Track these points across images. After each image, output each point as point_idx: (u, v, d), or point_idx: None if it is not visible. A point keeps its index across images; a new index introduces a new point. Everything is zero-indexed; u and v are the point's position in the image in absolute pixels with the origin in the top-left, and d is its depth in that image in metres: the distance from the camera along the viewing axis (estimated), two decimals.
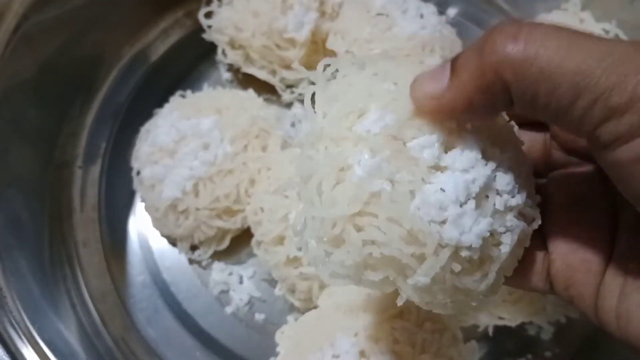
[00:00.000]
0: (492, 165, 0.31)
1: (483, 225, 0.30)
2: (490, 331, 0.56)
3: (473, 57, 0.27)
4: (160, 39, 0.75)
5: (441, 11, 0.73)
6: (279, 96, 0.69)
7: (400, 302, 0.31)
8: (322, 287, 0.56)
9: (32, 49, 0.61)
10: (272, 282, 0.61)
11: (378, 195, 0.29)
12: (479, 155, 0.30)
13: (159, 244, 0.65)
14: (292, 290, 0.58)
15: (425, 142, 0.30)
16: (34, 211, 0.61)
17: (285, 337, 0.55)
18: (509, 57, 0.25)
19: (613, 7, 0.66)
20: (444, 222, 0.29)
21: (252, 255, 0.62)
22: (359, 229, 0.30)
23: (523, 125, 0.36)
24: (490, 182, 0.31)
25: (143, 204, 0.64)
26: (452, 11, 0.76)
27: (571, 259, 0.33)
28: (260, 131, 0.63)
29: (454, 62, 0.28)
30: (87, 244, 0.64)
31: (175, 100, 0.67)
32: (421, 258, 0.29)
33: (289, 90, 0.69)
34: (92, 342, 0.57)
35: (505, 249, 0.31)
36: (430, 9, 0.67)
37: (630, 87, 0.23)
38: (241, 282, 0.62)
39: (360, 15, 0.65)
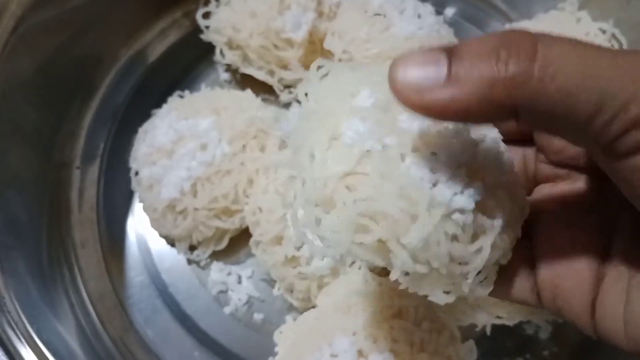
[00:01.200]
0: (481, 133, 0.32)
1: (475, 189, 0.30)
2: (488, 330, 0.56)
3: (483, 66, 0.25)
4: (158, 40, 0.75)
5: (439, 11, 0.73)
6: (277, 96, 0.69)
7: (394, 276, 0.30)
8: (321, 286, 0.56)
9: (30, 49, 0.61)
10: (271, 282, 0.61)
11: (369, 154, 0.29)
12: (467, 130, 0.31)
13: (157, 244, 0.65)
14: (291, 290, 0.58)
15: (416, 116, 0.29)
16: (32, 211, 0.61)
17: (284, 337, 0.55)
18: (525, 75, 0.24)
19: (610, 7, 0.66)
20: (435, 184, 0.29)
21: (250, 255, 0.62)
22: (350, 189, 0.29)
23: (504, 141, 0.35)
24: (477, 151, 0.31)
25: (141, 205, 0.64)
26: (449, 11, 0.76)
27: (559, 268, 0.32)
28: (259, 132, 0.63)
29: (454, 60, 0.25)
30: (86, 245, 0.64)
31: (173, 100, 0.67)
32: (414, 217, 0.29)
33: (287, 91, 0.69)
34: (91, 343, 0.57)
35: (497, 222, 0.31)
36: (428, 9, 0.67)
37: None
38: (240, 282, 0.62)
39: (358, 16, 0.65)
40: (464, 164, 0.30)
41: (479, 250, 0.31)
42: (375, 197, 0.29)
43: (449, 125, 0.31)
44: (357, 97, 0.31)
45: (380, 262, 0.30)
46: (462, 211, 0.29)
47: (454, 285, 0.31)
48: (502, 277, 0.34)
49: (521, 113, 0.25)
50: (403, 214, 0.29)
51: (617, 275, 0.31)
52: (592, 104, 0.24)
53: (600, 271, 0.32)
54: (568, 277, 0.32)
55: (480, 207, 0.30)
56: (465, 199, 0.29)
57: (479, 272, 0.31)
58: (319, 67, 0.33)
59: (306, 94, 0.32)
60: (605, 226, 0.32)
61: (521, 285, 0.34)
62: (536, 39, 0.24)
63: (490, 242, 0.31)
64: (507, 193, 0.32)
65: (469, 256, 0.30)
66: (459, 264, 0.30)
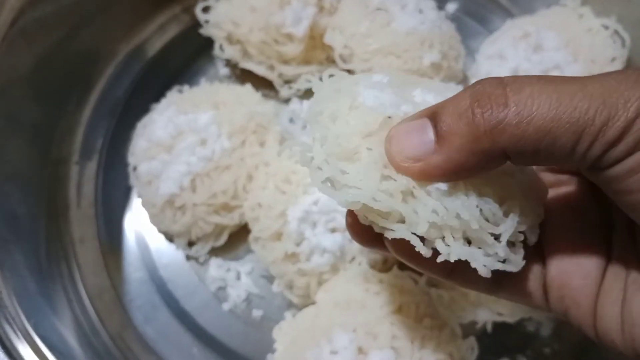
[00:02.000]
0: None
1: None
2: (489, 327, 0.56)
3: (463, 124, 0.27)
4: (158, 34, 0.74)
5: (440, 7, 0.72)
6: (276, 92, 0.69)
7: (420, 230, 0.29)
8: (320, 282, 0.56)
9: (29, 43, 0.61)
10: (270, 279, 0.61)
11: (390, 120, 0.30)
12: None
13: (156, 240, 0.64)
14: (290, 287, 0.58)
15: (428, 91, 0.31)
16: (31, 207, 0.60)
17: (283, 334, 0.55)
18: (503, 123, 0.26)
19: (613, 3, 0.65)
20: None
21: (249, 251, 0.61)
22: (371, 148, 0.30)
23: None
24: None
25: (140, 200, 0.64)
26: (451, 6, 0.76)
27: (567, 267, 0.33)
28: (258, 127, 0.62)
29: (438, 124, 0.28)
30: (84, 241, 0.63)
31: (172, 95, 0.66)
32: None
33: (287, 86, 0.69)
34: (89, 339, 0.57)
35: (519, 184, 0.32)
36: (429, 4, 0.67)
37: (622, 119, 0.25)
38: (239, 278, 0.62)
39: (359, 10, 0.65)
40: None
41: (509, 210, 0.31)
42: None
43: None
44: (372, 77, 0.33)
45: (407, 212, 0.29)
46: None
47: (487, 249, 0.31)
48: (514, 280, 0.35)
49: (512, 157, 0.27)
50: None
51: (615, 273, 0.32)
52: (571, 136, 0.26)
53: (604, 270, 0.32)
54: (576, 276, 0.33)
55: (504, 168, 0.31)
56: None
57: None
58: (330, 75, 0.35)
59: (321, 79, 0.34)
60: (604, 226, 0.33)
61: (531, 286, 0.35)
62: (505, 86, 0.26)
63: (518, 204, 0.31)
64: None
65: (498, 217, 0.30)
66: (490, 223, 0.30)
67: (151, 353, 0.59)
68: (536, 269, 0.35)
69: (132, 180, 0.64)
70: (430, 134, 0.28)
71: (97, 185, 0.67)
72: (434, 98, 0.31)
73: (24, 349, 0.46)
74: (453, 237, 0.30)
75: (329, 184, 0.31)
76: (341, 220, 0.54)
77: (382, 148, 0.30)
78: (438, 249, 0.30)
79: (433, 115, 0.28)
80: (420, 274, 0.55)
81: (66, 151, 0.67)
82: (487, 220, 0.30)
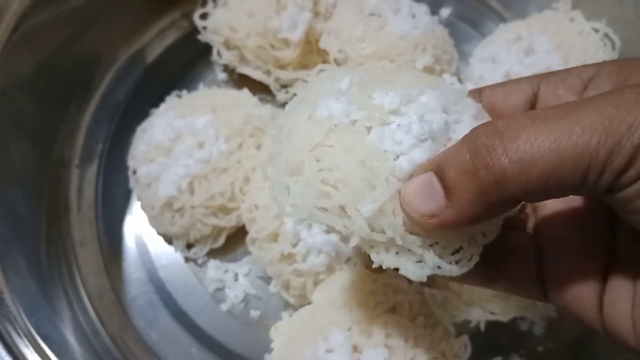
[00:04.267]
0: (451, 117, 0.32)
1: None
2: (482, 326, 0.56)
3: (468, 179, 0.27)
4: (157, 40, 0.75)
5: (434, 11, 0.74)
6: (273, 96, 0.70)
7: (352, 243, 0.32)
8: (316, 283, 0.56)
9: (31, 48, 0.61)
10: (267, 279, 0.62)
11: (336, 128, 0.32)
12: (439, 109, 0.32)
13: (155, 242, 0.65)
14: (287, 287, 0.59)
15: (388, 94, 0.32)
16: (32, 209, 0.61)
17: (280, 333, 0.56)
18: (507, 172, 0.26)
19: (603, 6, 0.66)
20: (398, 156, 0.31)
21: (247, 252, 0.62)
22: (318, 160, 0.32)
23: None
24: (448, 129, 0.32)
25: (139, 203, 0.65)
26: (445, 11, 0.77)
27: (567, 263, 0.34)
28: (255, 130, 0.63)
29: (443, 179, 0.29)
30: (84, 243, 0.64)
31: (171, 100, 0.67)
32: (372, 187, 0.31)
33: (283, 90, 0.70)
34: (90, 340, 0.57)
35: None
36: (423, 9, 0.68)
37: (628, 146, 0.25)
38: (236, 279, 0.63)
39: (354, 15, 0.66)
40: (432, 138, 0.31)
41: None
42: (338, 167, 0.31)
43: (425, 101, 0.32)
44: (339, 84, 0.34)
45: (340, 227, 0.32)
46: None
47: (420, 259, 0.32)
48: (511, 271, 0.36)
49: (523, 199, 0.27)
50: (363, 183, 0.31)
51: (623, 273, 0.32)
52: (577, 172, 0.25)
53: (607, 268, 0.32)
54: (576, 273, 0.33)
55: None
56: None
57: (456, 252, 0.33)
58: (320, 71, 0.36)
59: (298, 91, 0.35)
60: (609, 226, 0.34)
61: (529, 280, 0.35)
62: (501, 135, 0.26)
63: None
64: None
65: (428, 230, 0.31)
66: (418, 236, 0.31)
67: (150, 353, 0.59)
68: (533, 264, 0.35)
69: (132, 183, 0.65)
70: (439, 190, 0.29)
71: (98, 188, 0.68)
72: (391, 99, 0.32)
73: (25, 347, 0.47)
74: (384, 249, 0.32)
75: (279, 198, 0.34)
76: None
77: (326, 159, 0.32)
78: (372, 258, 0.32)
79: (437, 169, 0.29)
80: None
81: (67, 154, 0.68)
82: (415, 234, 0.31)
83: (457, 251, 0.32)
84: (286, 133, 0.33)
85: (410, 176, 0.31)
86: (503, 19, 0.75)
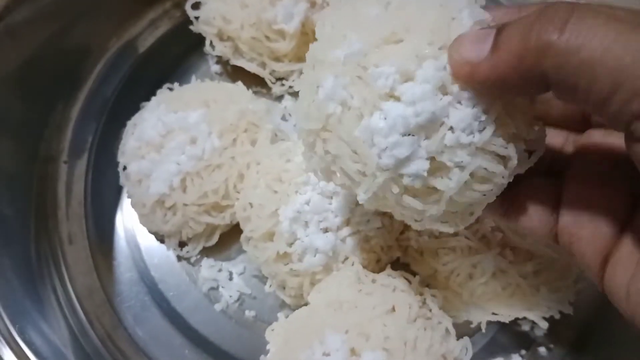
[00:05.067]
0: (447, 99, 0.32)
1: (421, 156, 0.33)
2: (483, 327, 0.56)
3: (517, 37, 0.27)
4: (148, 31, 0.73)
5: None
6: (268, 89, 0.68)
7: (360, 200, 0.36)
8: (313, 283, 0.55)
9: (17, 41, 0.60)
10: (262, 279, 0.60)
11: (332, 116, 0.34)
12: (435, 89, 0.32)
13: (146, 240, 0.63)
14: (283, 287, 0.57)
15: (383, 71, 0.32)
16: (19, 207, 0.60)
17: (275, 335, 0.54)
18: (552, 46, 0.26)
19: None
20: (385, 149, 0.33)
21: (242, 251, 0.61)
22: (324, 141, 0.36)
23: None
24: (439, 117, 0.32)
25: (130, 200, 0.63)
26: None
27: (581, 217, 0.34)
28: (249, 125, 0.61)
29: (499, 33, 0.29)
30: (73, 241, 0.63)
31: (162, 93, 0.65)
32: (364, 176, 0.35)
33: (279, 83, 0.68)
34: (79, 341, 0.56)
35: (452, 183, 0.33)
36: None
37: None
38: (231, 278, 0.61)
39: None
40: (418, 128, 0.32)
41: (437, 202, 0.34)
42: (337, 154, 0.35)
43: (422, 77, 0.32)
44: (343, 43, 0.34)
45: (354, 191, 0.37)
46: (410, 175, 0.33)
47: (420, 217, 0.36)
48: (524, 204, 0.37)
49: (552, 87, 0.27)
50: (357, 173, 0.35)
51: (632, 244, 0.31)
52: (611, 81, 0.25)
53: (619, 233, 0.32)
54: (587, 229, 0.33)
55: (435, 168, 0.33)
56: (417, 165, 0.32)
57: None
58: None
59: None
60: (632, 193, 0.33)
61: (542, 221, 0.36)
62: (572, 11, 0.26)
63: (446, 199, 0.34)
64: (470, 152, 0.33)
65: (421, 206, 0.35)
66: (413, 211, 0.35)
67: (142, 355, 0.58)
68: (549, 207, 0.36)
69: (122, 179, 0.63)
70: (489, 43, 0.29)
71: (87, 184, 0.66)
72: (386, 79, 0.32)
73: (7, 353, 0.45)
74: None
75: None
76: (333, 220, 0.53)
77: (329, 144, 0.36)
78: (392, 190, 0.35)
79: (501, 27, 0.29)
80: (414, 274, 0.55)
81: (55, 150, 0.66)
82: (410, 209, 0.36)
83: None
84: (302, 104, 0.37)
85: (396, 168, 0.33)
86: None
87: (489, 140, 0.32)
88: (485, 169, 0.33)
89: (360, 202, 0.37)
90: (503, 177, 0.34)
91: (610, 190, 0.34)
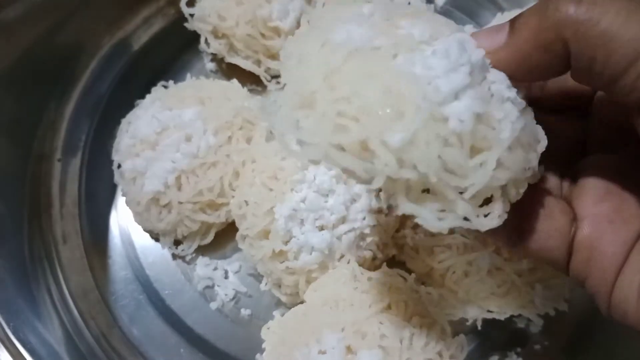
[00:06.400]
0: (481, 53, 0.30)
1: (475, 95, 0.27)
2: (479, 325, 0.55)
3: (535, 16, 0.28)
4: (143, 28, 0.73)
5: (429, 0, 0.72)
6: (264, 87, 0.68)
7: (376, 184, 0.26)
8: (309, 281, 0.55)
9: (9, 38, 0.59)
10: (258, 277, 0.60)
11: (357, 52, 0.27)
12: (465, 47, 0.29)
13: (141, 238, 0.63)
14: (279, 285, 0.57)
15: (416, 24, 0.29)
16: (12, 206, 0.59)
17: (271, 333, 0.54)
18: (572, 17, 0.26)
19: None
20: (430, 82, 0.26)
21: (237, 249, 0.60)
22: (333, 88, 0.27)
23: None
24: (484, 65, 0.30)
25: (124, 198, 0.62)
26: (440, 0, 0.75)
27: (602, 226, 0.32)
28: (245, 122, 0.61)
29: (514, 20, 0.30)
30: (67, 240, 0.62)
31: (157, 90, 0.65)
32: (400, 114, 0.26)
33: (274, 81, 0.67)
34: (73, 341, 0.56)
35: (505, 134, 0.27)
36: None
37: None
38: (226, 277, 0.61)
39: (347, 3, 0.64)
40: (468, 64, 0.27)
41: (481, 165, 0.27)
42: (358, 95, 0.26)
43: (459, 37, 0.29)
44: (358, 10, 0.30)
45: (360, 170, 0.26)
46: (459, 118, 0.26)
47: (448, 204, 0.27)
48: (538, 231, 0.33)
49: (572, 62, 0.28)
50: (388, 111, 0.26)
51: None
52: (629, 54, 0.25)
53: (636, 237, 0.31)
54: (610, 240, 0.31)
55: (484, 118, 0.27)
56: (464, 103, 0.26)
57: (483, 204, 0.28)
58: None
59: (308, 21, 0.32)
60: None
61: (557, 241, 0.33)
62: None
63: (496, 157, 0.27)
64: (517, 109, 0.29)
65: (467, 169, 0.26)
66: (455, 175, 0.26)
67: (137, 354, 0.58)
68: (566, 223, 0.33)
69: (117, 177, 0.63)
70: (504, 32, 0.30)
71: (81, 182, 0.66)
72: (421, 31, 0.28)
73: (1, 352, 0.45)
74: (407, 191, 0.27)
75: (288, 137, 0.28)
76: (329, 218, 0.53)
77: (343, 87, 0.26)
78: (390, 201, 0.28)
79: (516, 17, 0.30)
80: (410, 272, 0.55)
81: (49, 148, 0.65)
82: (452, 172, 0.26)
83: (486, 204, 0.29)
84: (295, 61, 0.28)
85: (446, 101, 0.26)
86: (500, 9, 0.73)
87: (526, 109, 0.30)
88: (531, 132, 0.30)
89: (382, 174, 0.26)
90: (537, 159, 0.30)
91: (632, 199, 0.32)
